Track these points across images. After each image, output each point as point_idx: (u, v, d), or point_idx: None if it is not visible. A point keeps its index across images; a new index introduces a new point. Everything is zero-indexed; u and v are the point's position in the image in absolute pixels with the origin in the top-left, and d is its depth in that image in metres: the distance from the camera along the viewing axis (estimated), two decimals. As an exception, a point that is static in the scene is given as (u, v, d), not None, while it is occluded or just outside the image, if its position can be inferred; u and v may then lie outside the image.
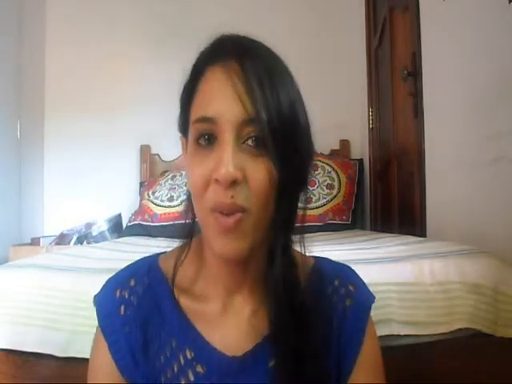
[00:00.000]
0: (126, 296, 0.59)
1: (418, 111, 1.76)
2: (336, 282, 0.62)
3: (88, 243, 2.23)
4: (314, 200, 2.09)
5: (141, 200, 2.28)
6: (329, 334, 0.59)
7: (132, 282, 0.60)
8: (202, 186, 0.52)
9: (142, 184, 2.45)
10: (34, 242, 2.26)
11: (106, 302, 0.60)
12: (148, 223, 2.12)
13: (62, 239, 2.28)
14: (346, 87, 2.61)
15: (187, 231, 0.61)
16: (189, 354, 0.57)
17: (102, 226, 2.34)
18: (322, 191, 2.14)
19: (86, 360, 0.91)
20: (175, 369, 0.57)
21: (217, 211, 0.51)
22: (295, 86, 0.57)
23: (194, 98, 0.55)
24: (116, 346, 0.58)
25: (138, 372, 0.58)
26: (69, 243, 2.22)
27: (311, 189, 2.14)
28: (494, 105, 1.27)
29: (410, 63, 1.80)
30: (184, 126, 0.58)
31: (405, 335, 0.94)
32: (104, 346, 0.59)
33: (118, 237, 2.22)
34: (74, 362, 0.92)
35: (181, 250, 0.61)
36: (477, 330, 0.95)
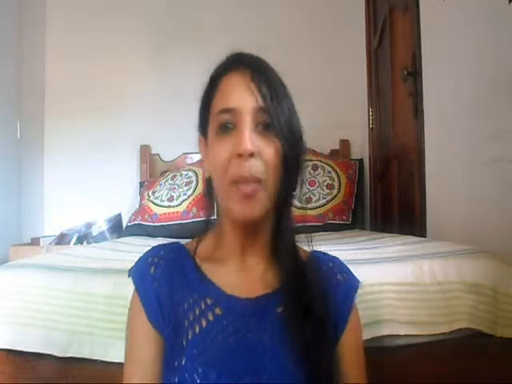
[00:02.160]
0: (156, 260, 0.71)
1: (417, 111, 1.76)
2: (330, 264, 0.75)
3: (88, 243, 2.23)
4: (313, 200, 2.10)
5: (141, 200, 2.28)
6: (324, 298, 0.69)
7: (162, 252, 0.72)
8: (225, 161, 0.65)
9: (141, 184, 2.45)
10: (34, 242, 2.26)
11: (140, 269, 0.71)
12: (148, 223, 2.12)
13: (62, 239, 2.28)
14: (345, 87, 2.61)
15: (205, 225, 0.76)
16: (209, 301, 0.68)
17: (102, 225, 2.34)
18: (322, 191, 2.14)
19: (86, 360, 0.92)
20: (197, 312, 0.67)
21: (237, 182, 0.64)
22: (291, 97, 0.72)
23: (214, 98, 0.70)
24: (148, 301, 0.68)
25: (166, 324, 0.67)
26: (69, 243, 2.22)
27: (311, 189, 2.14)
28: (494, 105, 1.27)
29: (410, 63, 1.80)
30: (203, 124, 0.72)
31: (405, 335, 0.94)
32: (139, 306, 0.69)
33: (118, 237, 2.22)
34: (74, 362, 0.92)
35: (200, 234, 0.75)
36: (477, 330, 0.95)
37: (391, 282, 0.96)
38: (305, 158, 0.72)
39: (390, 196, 2.18)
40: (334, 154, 2.51)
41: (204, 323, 0.66)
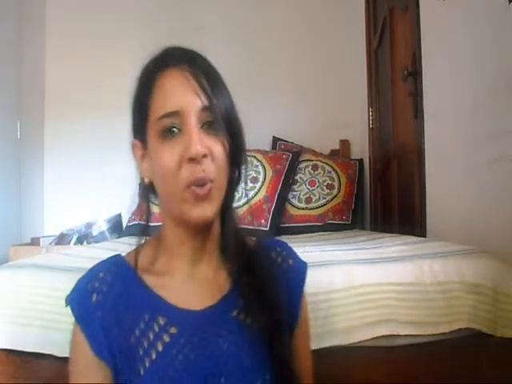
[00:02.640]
0: (97, 285, 0.66)
1: (417, 111, 1.76)
2: (278, 249, 0.74)
3: (88, 243, 2.23)
4: (313, 200, 2.09)
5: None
6: (277, 283, 0.68)
7: (101, 274, 0.67)
8: (175, 168, 0.62)
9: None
10: (34, 242, 2.26)
11: (78, 296, 0.66)
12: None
13: (62, 239, 2.28)
14: (345, 87, 2.61)
15: (143, 229, 0.73)
16: (161, 321, 0.64)
17: (102, 225, 2.33)
18: (322, 191, 2.13)
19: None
20: (151, 337, 0.63)
21: (192, 185, 0.61)
22: (227, 88, 0.69)
23: (152, 100, 0.65)
24: (91, 331, 0.63)
25: (115, 356, 0.62)
26: (69, 243, 2.22)
27: (311, 188, 2.14)
28: (494, 105, 1.27)
29: (410, 63, 1.80)
30: (140, 127, 0.68)
31: (405, 335, 0.94)
32: (81, 337, 0.63)
33: (118, 237, 2.21)
34: (74, 362, 0.92)
35: (139, 242, 0.72)
36: (477, 330, 0.95)
37: (391, 282, 0.96)
38: (245, 151, 0.70)
39: (390, 196, 2.18)
40: (334, 154, 2.51)
41: (160, 347, 0.62)
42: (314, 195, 2.11)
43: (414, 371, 0.94)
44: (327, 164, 2.25)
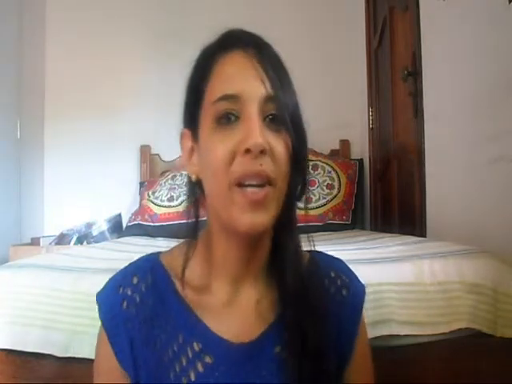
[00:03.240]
0: (129, 293, 0.60)
1: (417, 111, 1.76)
2: (332, 274, 0.64)
3: (88, 243, 2.23)
4: (314, 200, 2.09)
5: (141, 200, 2.28)
6: (327, 321, 0.60)
7: (135, 280, 0.61)
8: (227, 160, 0.53)
9: (142, 184, 2.45)
10: (34, 242, 2.26)
11: (108, 299, 0.61)
12: (148, 223, 2.12)
13: (62, 239, 2.28)
14: (345, 87, 2.61)
15: (192, 229, 0.62)
16: (196, 347, 0.57)
17: (102, 225, 2.33)
18: (322, 191, 2.13)
19: (86, 360, 0.91)
20: (183, 362, 0.57)
21: (245, 183, 0.53)
22: (294, 85, 0.61)
23: (209, 82, 0.57)
24: (117, 339, 0.59)
25: (137, 367, 0.58)
26: (69, 243, 2.22)
27: (311, 189, 2.14)
28: (494, 105, 1.27)
29: (410, 63, 1.80)
30: (192, 114, 0.59)
31: (405, 335, 0.94)
32: (106, 340, 0.60)
33: (118, 237, 2.21)
34: (74, 361, 0.92)
35: (187, 247, 0.62)
36: (477, 330, 0.95)
37: (391, 282, 0.96)
38: (308, 157, 0.61)
39: (390, 196, 2.18)
40: (334, 153, 2.51)
41: (193, 376, 0.56)
42: (314, 195, 2.11)
43: (413, 371, 0.93)
44: (327, 164, 2.25)
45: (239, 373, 0.57)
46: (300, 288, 0.58)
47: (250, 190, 0.53)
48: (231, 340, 0.58)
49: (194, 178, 0.60)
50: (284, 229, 0.59)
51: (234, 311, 0.60)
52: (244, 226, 0.53)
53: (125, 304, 0.59)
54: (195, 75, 0.60)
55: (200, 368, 0.57)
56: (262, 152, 0.52)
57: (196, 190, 0.62)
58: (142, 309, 0.59)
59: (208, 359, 0.57)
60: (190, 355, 0.57)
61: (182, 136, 0.63)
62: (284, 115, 0.55)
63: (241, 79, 0.55)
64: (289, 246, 0.59)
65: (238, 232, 0.55)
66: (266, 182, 0.53)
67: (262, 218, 0.53)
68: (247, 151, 0.52)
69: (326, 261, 0.67)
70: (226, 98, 0.54)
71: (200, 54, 0.61)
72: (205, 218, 0.62)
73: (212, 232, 0.60)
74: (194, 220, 0.62)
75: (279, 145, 0.54)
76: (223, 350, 0.57)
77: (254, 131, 0.52)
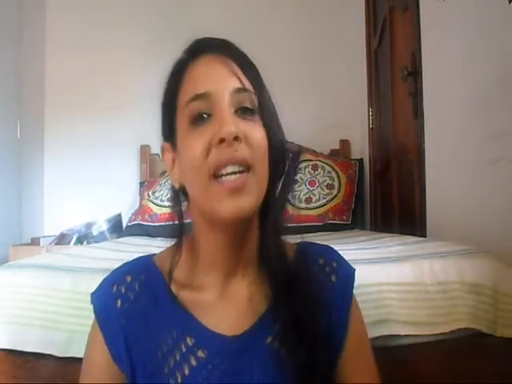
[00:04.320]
0: (123, 291, 0.61)
1: (417, 111, 1.75)
2: (320, 261, 0.65)
3: (88, 243, 2.23)
4: (313, 200, 2.09)
5: (141, 200, 2.28)
6: (318, 309, 0.61)
7: (128, 278, 0.62)
8: (204, 153, 0.54)
9: (141, 184, 2.45)
10: (34, 242, 2.26)
11: (102, 297, 0.62)
12: (148, 223, 2.12)
13: (61, 239, 2.28)
14: (346, 87, 2.61)
15: (179, 230, 0.64)
16: (189, 341, 0.59)
17: (102, 225, 2.34)
18: (322, 191, 2.13)
19: (85, 360, 0.92)
20: (177, 357, 0.58)
21: (222, 173, 0.54)
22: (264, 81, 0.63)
23: (182, 88, 0.59)
24: (112, 336, 0.60)
25: (133, 364, 0.59)
26: (69, 243, 2.22)
27: (311, 188, 2.14)
28: (494, 104, 1.27)
29: (410, 63, 1.80)
30: (169, 124, 0.61)
31: (405, 335, 0.94)
32: (100, 338, 0.61)
33: (118, 237, 2.22)
34: (74, 361, 0.91)
35: (175, 248, 0.64)
36: (476, 330, 0.95)
37: (391, 282, 0.96)
38: (287, 144, 0.62)
39: (390, 196, 2.18)
40: (334, 153, 2.51)
41: (187, 370, 0.57)
42: (314, 195, 2.11)
43: (413, 371, 0.93)
44: (327, 164, 2.25)
45: (232, 364, 0.58)
46: (289, 277, 0.59)
47: (225, 178, 0.54)
48: (224, 333, 0.59)
49: (177, 185, 0.62)
50: (268, 215, 0.60)
51: (226, 305, 0.61)
52: (226, 213, 0.54)
53: (119, 302, 0.61)
54: (168, 87, 0.62)
55: (193, 362, 0.58)
56: (237, 139, 0.54)
57: (179, 197, 0.63)
58: (136, 306, 0.61)
59: (201, 353, 0.58)
60: (184, 350, 0.59)
61: (162, 150, 0.64)
62: (255, 104, 0.57)
63: (209, 78, 0.57)
64: (270, 231, 0.60)
65: (223, 220, 0.56)
66: (243, 167, 0.54)
67: (244, 203, 0.54)
68: (221, 141, 0.54)
69: (313, 249, 0.68)
70: (197, 97, 0.56)
71: (171, 68, 0.63)
72: (189, 221, 0.64)
73: (198, 232, 0.62)
74: (179, 222, 0.64)
75: (255, 132, 0.56)
76: (216, 343, 0.59)
77: (226, 121, 0.54)
